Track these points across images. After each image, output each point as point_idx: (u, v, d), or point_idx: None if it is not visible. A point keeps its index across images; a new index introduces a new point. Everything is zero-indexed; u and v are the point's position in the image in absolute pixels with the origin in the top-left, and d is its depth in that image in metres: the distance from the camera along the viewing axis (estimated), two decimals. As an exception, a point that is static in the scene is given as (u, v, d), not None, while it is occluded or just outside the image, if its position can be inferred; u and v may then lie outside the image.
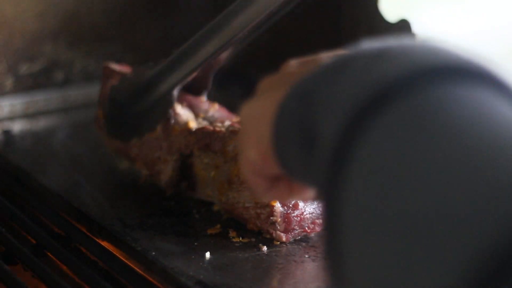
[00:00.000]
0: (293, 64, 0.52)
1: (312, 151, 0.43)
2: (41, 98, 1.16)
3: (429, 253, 0.33)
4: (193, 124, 0.83)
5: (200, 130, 0.82)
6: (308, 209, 0.76)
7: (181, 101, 0.86)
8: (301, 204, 0.76)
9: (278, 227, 0.75)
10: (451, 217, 0.33)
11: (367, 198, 0.36)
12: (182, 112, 0.84)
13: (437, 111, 0.37)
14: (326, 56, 0.50)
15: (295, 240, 0.77)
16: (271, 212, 0.75)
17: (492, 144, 0.34)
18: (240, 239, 0.77)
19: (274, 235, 0.76)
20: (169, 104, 0.84)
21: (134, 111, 0.87)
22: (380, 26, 1.01)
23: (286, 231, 0.76)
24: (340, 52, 0.49)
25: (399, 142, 0.36)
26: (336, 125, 0.40)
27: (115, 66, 0.93)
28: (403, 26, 0.97)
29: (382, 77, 0.39)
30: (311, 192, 0.56)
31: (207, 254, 0.73)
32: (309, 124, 0.43)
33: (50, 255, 0.77)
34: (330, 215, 0.39)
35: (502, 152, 0.34)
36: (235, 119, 0.83)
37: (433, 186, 0.34)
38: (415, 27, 0.96)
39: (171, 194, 0.86)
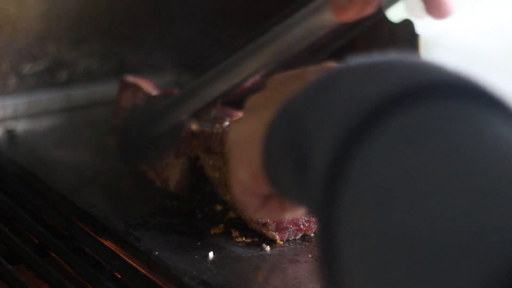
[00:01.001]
0: (279, 79, 0.52)
1: (304, 170, 0.42)
2: (44, 98, 1.16)
3: (430, 275, 0.32)
4: (196, 127, 0.83)
5: (201, 133, 0.82)
6: None
7: None
8: None
9: (270, 227, 0.76)
10: (451, 236, 0.32)
11: (363, 218, 0.36)
12: None
13: (432, 128, 0.36)
14: (312, 71, 0.49)
15: (297, 239, 0.77)
16: None
17: (487, 162, 0.34)
18: (243, 238, 0.77)
19: (268, 235, 0.76)
20: (178, 137, 0.82)
21: (144, 141, 0.86)
22: (384, 26, 1.01)
23: (278, 230, 0.76)
24: (326, 66, 0.49)
25: (395, 159, 0.36)
26: (329, 144, 0.39)
27: (131, 79, 0.93)
28: (407, 26, 0.97)
29: (375, 95, 0.38)
30: (302, 209, 0.56)
31: (210, 254, 0.73)
32: (300, 143, 0.42)
33: (53, 255, 0.77)
34: (326, 236, 0.38)
35: (497, 170, 0.33)
36: (235, 117, 0.83)
37: (431, 204, 0.33)
38: (418, 27, 0.96)
39: (173, 194, 0.86)
